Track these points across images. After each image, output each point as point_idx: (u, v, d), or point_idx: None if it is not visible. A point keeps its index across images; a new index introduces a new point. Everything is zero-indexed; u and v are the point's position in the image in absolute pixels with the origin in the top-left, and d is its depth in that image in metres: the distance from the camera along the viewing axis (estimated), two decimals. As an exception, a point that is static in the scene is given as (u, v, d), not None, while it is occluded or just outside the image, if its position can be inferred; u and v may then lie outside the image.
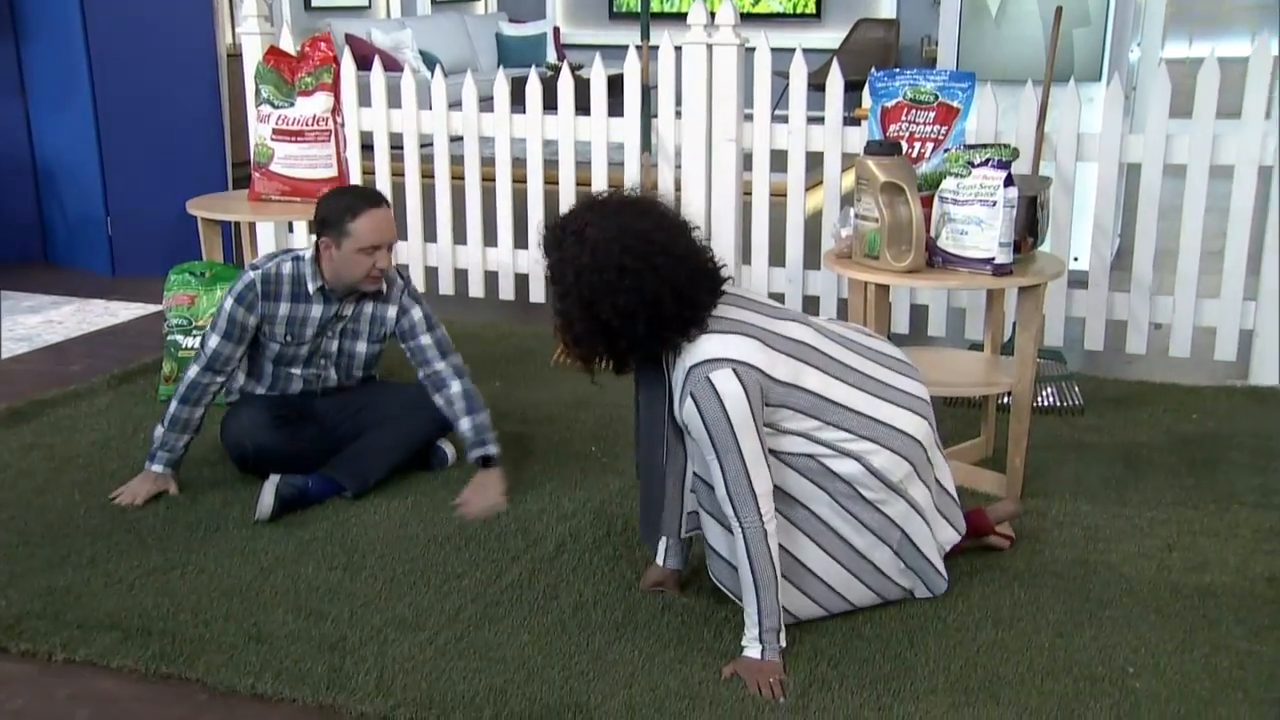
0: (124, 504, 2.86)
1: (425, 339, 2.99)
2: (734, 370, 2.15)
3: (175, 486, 2.92)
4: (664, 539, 2.46)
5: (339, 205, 2.86)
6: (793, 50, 4.15)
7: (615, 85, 4.23)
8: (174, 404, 2.91)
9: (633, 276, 2.11)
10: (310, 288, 2.92)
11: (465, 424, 2.93)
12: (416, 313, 3.00)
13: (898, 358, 2.42)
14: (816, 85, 4.23)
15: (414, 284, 3.07)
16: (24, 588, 2.48)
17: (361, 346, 3.05)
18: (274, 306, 2.92)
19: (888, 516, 2.30)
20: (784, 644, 2.18)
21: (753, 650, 2.16)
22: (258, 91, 3.68)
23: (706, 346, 2.18)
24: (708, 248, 2.26)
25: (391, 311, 3.01)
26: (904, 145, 2.94)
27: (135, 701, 2.12)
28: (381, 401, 3.07)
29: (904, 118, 2.99)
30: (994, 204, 2.73)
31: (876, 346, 2.42)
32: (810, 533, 2.28)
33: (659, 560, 2.49)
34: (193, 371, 2.91)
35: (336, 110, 3.67)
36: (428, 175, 4.49)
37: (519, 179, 4.42)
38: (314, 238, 2.91)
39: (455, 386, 2.95)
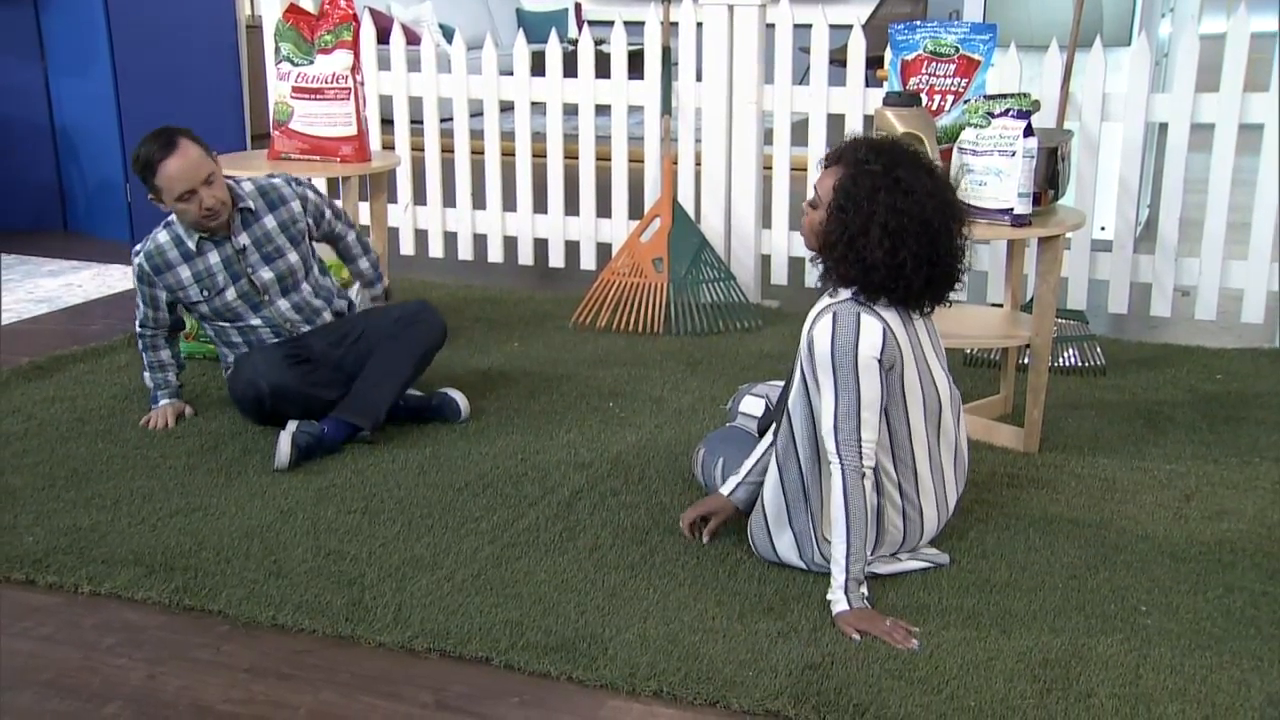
0: (155, 426, 3.05)
1: (329, 212, 3.20)
2: (885, 330, 2.18)
3: (189, 408, 3.13)
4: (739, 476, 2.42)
5: (139, 164, 2.88)
6: (813, 27, 4.09)
7: (636, 60, 4.20)
8: (143, 355, 3.13)
9: (929, 236, 2.15)
10: (191, 244, 2.98)
11: (364, 263, 3.30)
12: (312, 194, 3.15)
13: (963, 473, 2.44)
14: (839, 60, 4.18)
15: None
16: (50, 526, 2.52)
17: (293, 257, 3.07)
18: (173, 275, 2.99)
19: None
20: (867, 594, 2.14)
21: (840, 605, 2.12)
22: (277, 49, 3.70)
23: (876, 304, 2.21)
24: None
25: (295, 206, 3.10)
26: (923, 98, 2.93)
27: (159, 630, 2.16)
28: (372, 326, 3.06)
29: (924, 70, 2.98)
30: (1013, 154, 2.72)
31: (964, 454, 2.43)
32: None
33: (725, 489, 2.42)
34: (136, 329, 3.11)
35: (356, 68, 3.68)
36: (448, 150, 4.50)
37: (539, 154, 4.41)
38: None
39: (350, 236, 3.28)
